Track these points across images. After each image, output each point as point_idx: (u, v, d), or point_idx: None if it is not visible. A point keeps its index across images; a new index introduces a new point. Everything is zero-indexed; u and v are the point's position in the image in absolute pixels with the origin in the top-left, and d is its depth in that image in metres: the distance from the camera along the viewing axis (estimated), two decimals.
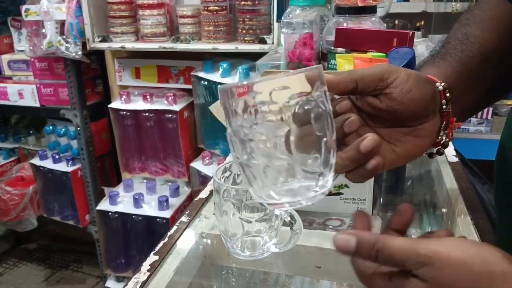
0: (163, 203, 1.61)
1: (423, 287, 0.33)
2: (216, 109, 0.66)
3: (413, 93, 0.43)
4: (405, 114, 0.44)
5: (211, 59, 1.54)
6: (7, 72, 1.88)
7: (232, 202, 0.52)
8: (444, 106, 0.46)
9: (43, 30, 1.58)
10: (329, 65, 0.87)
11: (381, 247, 0.34)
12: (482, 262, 0.32)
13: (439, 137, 0.48)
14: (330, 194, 0.60)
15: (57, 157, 1.89)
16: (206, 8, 1.45)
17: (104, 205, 1.69)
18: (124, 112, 1.65)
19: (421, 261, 0.33)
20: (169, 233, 0.64)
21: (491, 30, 0.54)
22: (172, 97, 1.58)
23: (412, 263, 0.33)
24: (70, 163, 1.87)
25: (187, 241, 0.62)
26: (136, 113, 1.64)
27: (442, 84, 0.47)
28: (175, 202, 1.66)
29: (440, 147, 0.49)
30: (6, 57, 1.88)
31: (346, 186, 0.59)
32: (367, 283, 0.38)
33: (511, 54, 0.55)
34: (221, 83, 1.46)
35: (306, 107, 0.36)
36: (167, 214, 1.61)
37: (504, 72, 0.55)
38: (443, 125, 0.47)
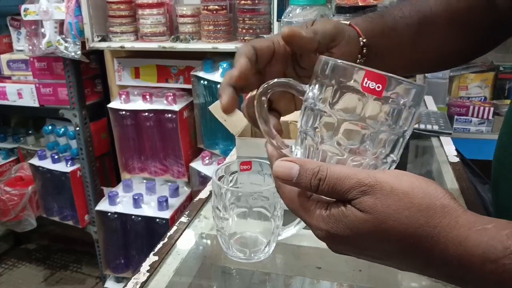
0: (162, 203, 1.61)
1: (361, 216, 0.32)
2: (216, 109, 0.65)
3: (346, 53, 0.45)
4: None
5: (211, 58, 1.54)
6: (6, 71, 1.88)
7: (230, 203, 0.51)
8: (358, 61, 0.48)
9: (42, 30, 1.57)
10: None
11: (324, 176, 0.32)
12: (423, 194, 0.31)
13: None
14: None
15: (56, 157, 1.89)
16: (206, 8, 1.45)
17: (103, 205, 1.69)
18: (124, 112, 1.64)
19: (363, 190, 0.32)
20: (168, 234, 0.63)
21: (443, 4, 0.54)
22: (172, 97, 1.57)
23: (355, 192, 0.32)
24: (69, 163, 1.87)
25: (186, 242, 0.62)
26: (135, 113, 1.64)
27: (363, 40, 0.48)
28: (175, 202, 1.66)
29: None
30: (5, 57, 1.87)
31: None
32: (298, 210, 0.35)
33: (466, 28, 0.54)
34: (221, 83, 1.46)
35: None
36: (166, 214, 1.61)
37: (454, 44, 0.55)
38: None
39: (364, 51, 0.48)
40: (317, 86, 0.36)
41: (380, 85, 0.33)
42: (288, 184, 0.34)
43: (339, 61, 0.35)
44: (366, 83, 0.33)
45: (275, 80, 0.38)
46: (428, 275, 0.33)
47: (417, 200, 0.31)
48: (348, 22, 0.49)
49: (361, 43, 0.47)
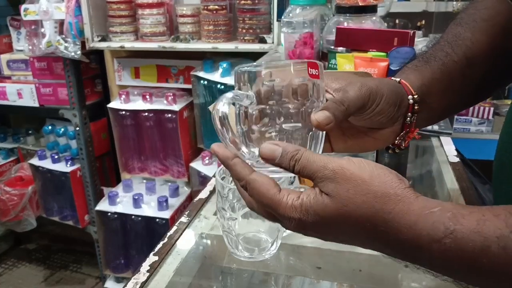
0: (162, 203, 1.61)
1: (325, 199, 0.35)
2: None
3: (386, 113, 0.45)
4: (370, 126, 0.47)
5: (211, 58, 1.54)
6: (6, 71, 1.88)
7: (234, 202, 0.51)
8: (408, 119, 0.48)
9: (42, 30, 1.57)
10: (330, 65, 0.86)
11: (299, 158, 0.37)
12: (380, 183, 0.34)
13: (396, 141, 0.49)
14: None
15: (56, 157, 1.89)
16: (206, 8, 1.45)
17: (103, 205, 1.69)
18: (124, 112, 1.64)
19: (326, 174, 0.35)
20: (168, 234, 0.63)
21: (482, 32, 0.54)
22: (172, 97, 1.57)
23: (319, 175, 0.36)
24: (69, 163, 1.87)
25: (186, 242, 0.62)
26: (135, 113, 1.64)
27: (415, 97, 0.47)
28: (175, 202, 1.66)
29: (392, 147, 0.51)
30: (5, 57, 1.87)
31: None
32: (269, 204, 0.38)
33: (504, 52, 0.54)
34: (221, 83, 1.46)
35: None
36: (166, 214, 1.61)
37: (496, 70, 0.55)
38: (402, 133, 0.49)
39: (416, 107, 0.48)
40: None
41: (316, 70, 0.40)
42: (271, 164, 0.38)
43: (245, 68, 0.41)
44: (310, 71, 0.40)
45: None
46: (387, 254, 0.37)
47: (374, 187, 0.34)
48: (398, 80, 0.49)
49: (411, 101, 0.47)
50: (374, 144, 0.49)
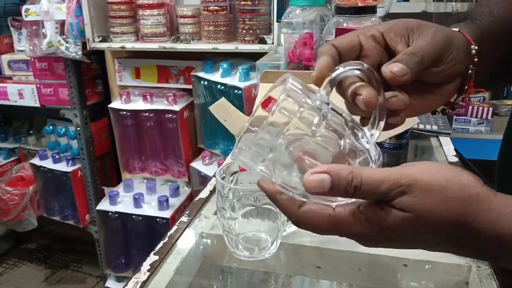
0: (163, 203, 1.61)
1: (401, 215, 0.33)
2: (216, 109, 0.66)
3: (458, 64, 0.42)
4: (435, 80, 0.43)
5: (211, 59, 1.54)
6: (7, 72, 1.88)
7: (234, 202, 0.52)
8: (470, 71, 0.45)
9: (43, 30, 1.58)
10: None
11: (359, 184, 0.32)
12: (458, 185, 0.33)
13: (454, 98, 0.47)
14: None
15: (57, 157, 1.89)
16: (206, 8, 1.45)
17: (104, 205, 1.69)
18: (124, 112, 1.65)
19: (401, 191, 0.32)
20: (169, 233, 0.64)
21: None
22: (172, 97, 1.58)
23: (393, 194, 0.32)
24: (70, 163, 1.87)
25: (187, 241, 0.63)
26: (136, 113, 1.64)
27: (476, 48, 0.45)
28: (175, 202, 1.66)
29: (449, 107, 0.48)
30: (6, 57, 1.88)
31: None
32: (330, 229, 0.35)
33: None
34: (221, 83, 1.46)
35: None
36: (167, 214, 1.61)
37: None
38: (464, 88, 0.46)
39: (476, 59, 0.45)
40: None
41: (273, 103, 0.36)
42: (321, 195, 0.33)
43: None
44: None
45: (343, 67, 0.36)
46: (459, 254, 0.37)
47: (454, 193, 0.32)
48: (457, 29, 0.46)
49: (473, 51, 0.44)
50: (436, 101, 0.45)
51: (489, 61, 0.46)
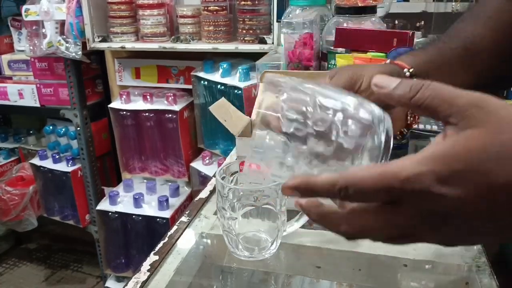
0: (163, 203, 1.61)
1: (468, 132, 0.26)
2: (216, 109, 0.66)
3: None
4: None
5: (211, 59, 1.54)
6: (7, 72, 1.88)
7: (234, 202, 0.52)
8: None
9: (43, 30, 1.58)
10: (329, 65, 0.87)
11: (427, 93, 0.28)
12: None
13: (408, 120, 0.49)
14: None
15: (57, 157, 1.90)
16: (206, 8, 1.45)
17: (104, 205, 1.69)
18: (124, 112, 1.65)
19: (475, 103, 0.27)
20: (169, 233, 0.64)
21: (485, 26, 0.53)
22: (172, 97, 1.58)
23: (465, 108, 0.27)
24: (70, 163, 1.87)
25: (187, 241, 0.63)
26: (136, 113, 1.64)
27: (410, 70, 0.47)
28: (175, 202, 1.66)
29: (405, 127, 0.51)
30: (6, 57, 1.88)
31: None
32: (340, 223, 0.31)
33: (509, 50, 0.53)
34: (221, 83, 1.46)
35: None
36: (167, 214, 1.61)
37: (501, 68, 0.54)
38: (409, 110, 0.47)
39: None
40: None
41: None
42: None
43: None
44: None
45: None
46: None
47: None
48: (388, 61, 0.49)
49: (407, 73, 0.47)
50: (397, 125, 0.48)
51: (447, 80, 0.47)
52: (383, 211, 0.29)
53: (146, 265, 0.57)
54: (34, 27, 1.60)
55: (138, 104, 1.62)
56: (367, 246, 0.58)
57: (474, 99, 0.27)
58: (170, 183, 1.72)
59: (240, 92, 1.38)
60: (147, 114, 1.63)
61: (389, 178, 0.28)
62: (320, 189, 0.30)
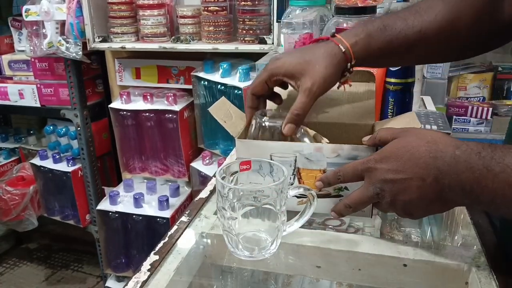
0: (163, 203, 1.62)
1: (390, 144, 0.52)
2: (215, 110, 0.66)
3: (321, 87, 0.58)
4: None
5: (211, 59, 1.54)
6: (7, 72, 1.88)
7: (234, 202, 0.52)
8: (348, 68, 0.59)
9: (44, 30, 1.58)
10: None
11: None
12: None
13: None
14: (329, 196, 0.60)
15: (57, 157, 1.90)
16: (206, 9, 1.46)
17: (104, 205, 1.70)
18: (125, 112, 1.65)
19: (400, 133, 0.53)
20: (169, 233, 0.64)
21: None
22: (172, 97, 1.58)
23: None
24: (70, 163, 1.87)
25: (187, 241, 0.63)
26: (136, 113, 1.64)
27: (343, 50, 0.57)
28: (175, 202, 1.66)
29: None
30: (6, 57, 1.88)
31: (346, 188, 0.59)
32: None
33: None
34: (221, 83, 1.46)
35: None
36: (167, 214, 1.61)
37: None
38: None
39: (351, 70, 0.60)
40: None
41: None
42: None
43: None
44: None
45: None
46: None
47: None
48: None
49: (348, 66, 0.59)
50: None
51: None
52: (362, 187, 0.54)
53: (146, 265, 0.57)
54: (34, 27, 1.61)
55: (138, 104, 1.63)
56: (367, 246, 0.58)
57: (398, 130, 0.54)
58: (170, 183, 1.73)
59: (240, 92, 1.38)
60: (147, 114, 1.63)
61: (357, 163, 0.54)
62: (330, 174, 0.57)
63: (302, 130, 0.62)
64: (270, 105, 0.66)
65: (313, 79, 0.56)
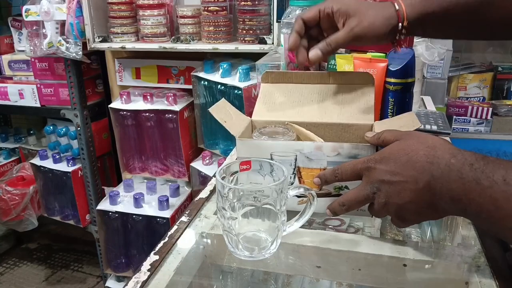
0: (163, 203, 1.62)
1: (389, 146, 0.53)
2: (216, 110, 0.66)
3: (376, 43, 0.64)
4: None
5: (211, 59, 1.54)
6: (7, 72, 1.89)
7: (234, 202, 0.52)
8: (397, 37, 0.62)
9: (44, 30, 1.58)
10: (329, 65, 0.87)
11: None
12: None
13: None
14: (330, 195, 0.61)
15: (57, 157, 1.90)
16: (206, 9, 1.46)
17: (104, 205, 1.70)
18: (125, 112, 1.65)
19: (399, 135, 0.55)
20: (169, 233, 0.64)
21: None
22: (172, 97, 1.58)
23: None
24: (70, 163, 1.87)
25: (187, 241, 0.63)
26: (136, 113, 1.64)
27: (404, 24, 0.60)
28: (175, 202, 1.66)
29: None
30: (6, 57, 1.88)
31: (346, 187, 0.59)
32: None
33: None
34: (221, 83, 1.46)
35: None
36: (167, 214, 1.61)
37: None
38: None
39: (404, 31, 0.61)
40: None
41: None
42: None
43: None
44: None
45: None
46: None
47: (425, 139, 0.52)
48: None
49: (399, 27, 0.61)
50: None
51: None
52: (359, 187, 0.54)
53: (146, 265, 0.57)
54: (34, 27, 1.61)
55: (138, 104, 1.63)
56: (367, 246, 0.58)
57: (401, 132, 0.54)
58: (170, 183, 1.73)
59: (240, 92, 1.38)
60: (147, 114, 1.63)
61: (357, 162, 0.54)
62: (327, 172, 0.57)
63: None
64: (265, 122, 0.68)
65: (359, 20, 0.60)
